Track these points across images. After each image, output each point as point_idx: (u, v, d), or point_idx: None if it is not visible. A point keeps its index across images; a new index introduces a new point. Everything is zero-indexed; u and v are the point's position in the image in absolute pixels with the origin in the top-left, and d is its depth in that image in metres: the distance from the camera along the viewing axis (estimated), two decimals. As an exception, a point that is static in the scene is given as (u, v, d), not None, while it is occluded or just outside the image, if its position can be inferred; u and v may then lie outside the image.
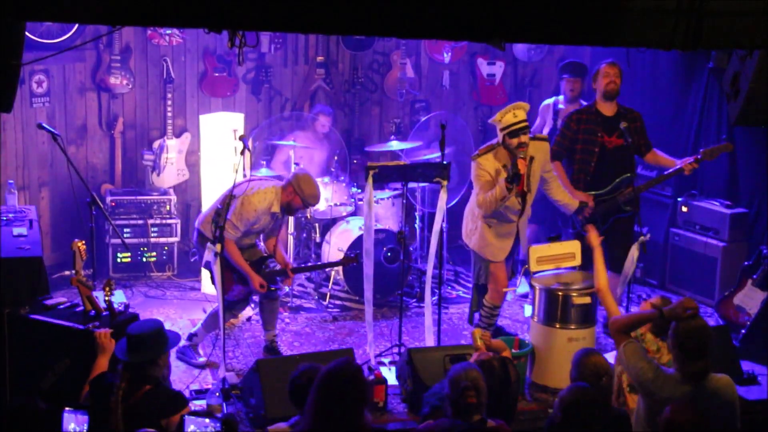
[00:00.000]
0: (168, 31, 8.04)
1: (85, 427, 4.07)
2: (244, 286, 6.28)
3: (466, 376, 4.34)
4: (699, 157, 6.53)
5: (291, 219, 7.63)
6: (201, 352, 6.42)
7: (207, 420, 3.99)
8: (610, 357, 6.40)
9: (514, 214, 6.26)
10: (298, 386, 4.34)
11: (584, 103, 7.68)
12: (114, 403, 4.34)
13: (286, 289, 7.51)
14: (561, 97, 7.89)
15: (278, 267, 6.42)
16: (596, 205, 6.61)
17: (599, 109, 6.67)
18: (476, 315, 6.70)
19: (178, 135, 8.21)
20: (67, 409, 4.08)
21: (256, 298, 6.53)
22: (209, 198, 7.22)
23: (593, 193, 6.65)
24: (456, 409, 4.32)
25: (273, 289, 6.36)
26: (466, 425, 4.26)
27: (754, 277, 6.87)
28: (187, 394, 5.76)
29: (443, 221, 6.79)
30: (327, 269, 7.63)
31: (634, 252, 6.27)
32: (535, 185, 6.29)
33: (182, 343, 6.32)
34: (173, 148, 8.14)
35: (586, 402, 4.07)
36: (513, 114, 6.04)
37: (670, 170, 6.66)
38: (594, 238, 5.56)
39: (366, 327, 6.40)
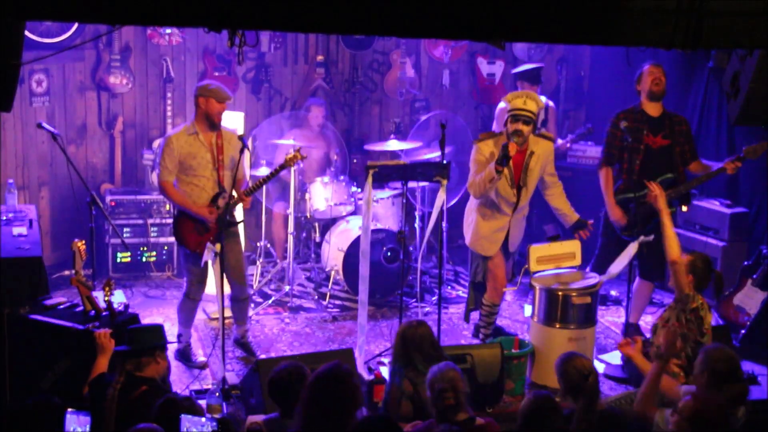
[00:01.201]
0: (168, 31, 8.04)
1: (87, 428, 4.07)
2: (200, 235, 6.15)
3: (442, 378, 4.32)
4: (741, 155, 6.42)
5: (291, 218, 7.61)
6: (200, 352, 6.41)
7: (203, 419, 3.99)
8: (610, 357, 6.43)
9: (509, 206, 6.26)
10: (278, 384, 4.36)
11: (546, 102, 7.91)
12: (109, 401, 4.35)
13: (286, 288, 7.52)
14: None
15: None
16: (638, 207, 6.53)
17: (645, 110, 6.64)
18: (472, 313, 6.70)
19: (177, 135, 8.20)
20: (69, 410, 4.08)
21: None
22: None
23: (636, 194, 6.50)
24: (437, 411, 4.32)
25: (231, 221, 6.18)
26: (453, 426, 4.23)
27: (754, 277, 6.87)
28: (186, 394, 5.77)
29: (443, 220, 6.77)
30: (327, 270, 7.64)
31: (631, 249, 6.25)
32: (532, 182, 6.28)
33: (175, 344, 6.32)
34: (173, 148, 8.12)
35: (545, 411, 4.07)
36: (523, 101, 6.07)
37: (712, 170, 6.55)
38: (661, 201, 5.99)
39: (362, 329, 6.38)
